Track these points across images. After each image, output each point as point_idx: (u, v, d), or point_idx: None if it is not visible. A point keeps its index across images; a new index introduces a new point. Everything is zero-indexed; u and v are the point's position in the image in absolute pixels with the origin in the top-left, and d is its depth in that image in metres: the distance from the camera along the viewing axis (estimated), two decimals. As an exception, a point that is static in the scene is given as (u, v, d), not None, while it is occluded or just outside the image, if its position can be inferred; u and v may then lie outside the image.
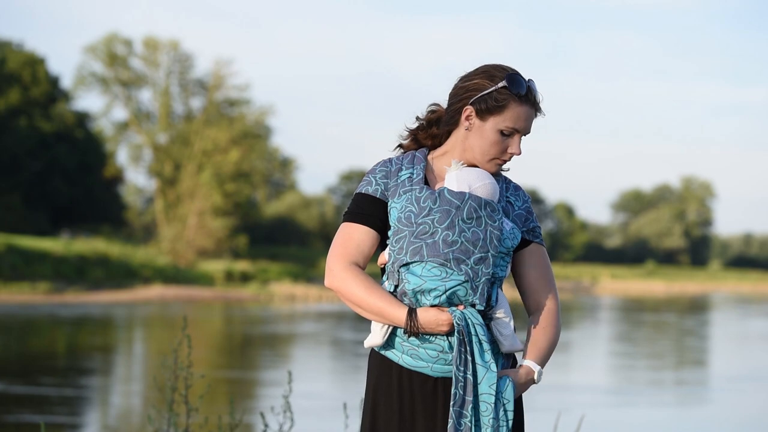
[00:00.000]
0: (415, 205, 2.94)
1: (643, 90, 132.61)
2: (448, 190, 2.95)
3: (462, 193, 2.95)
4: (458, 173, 3.00)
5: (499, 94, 2.95)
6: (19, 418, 11.19)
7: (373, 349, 3.04)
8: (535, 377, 2.98)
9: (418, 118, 3.12)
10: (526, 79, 2.98)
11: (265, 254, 59.11)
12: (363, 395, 3.02)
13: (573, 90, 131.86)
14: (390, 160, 3.06)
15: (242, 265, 51.40)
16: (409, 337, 2.91)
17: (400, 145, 3.13)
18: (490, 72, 2.98)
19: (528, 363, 2.98)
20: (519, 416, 3.03)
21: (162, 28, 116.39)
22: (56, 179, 53.68)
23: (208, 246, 55.08)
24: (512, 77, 2.95)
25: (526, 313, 3.10)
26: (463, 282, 2.89)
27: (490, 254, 2.92)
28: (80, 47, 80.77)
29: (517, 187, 3.11)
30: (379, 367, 3.00)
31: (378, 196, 3.00)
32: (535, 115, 3.01)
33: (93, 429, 11.24)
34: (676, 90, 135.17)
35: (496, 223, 2.95)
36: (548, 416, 6.23)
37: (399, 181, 3.01)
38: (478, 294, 2.90)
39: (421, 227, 2.92)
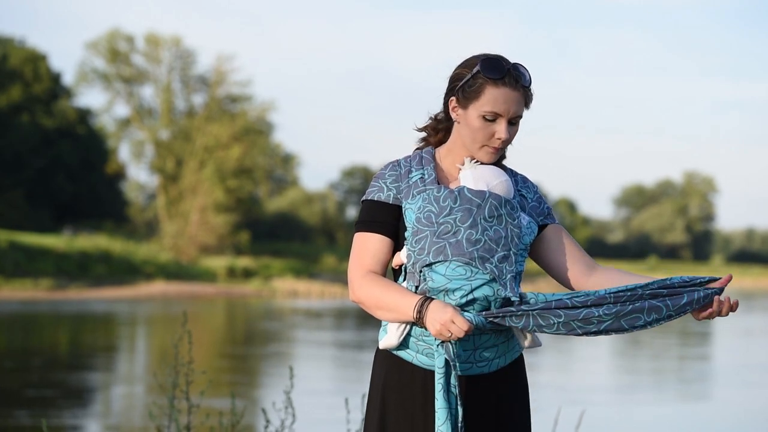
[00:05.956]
0: (435, 204, 2.90)
1: (644, 86, 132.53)
2: (468, 188, 2.92)
3: (482, 192, 2.92)
4: (473, 171, 2.97)
5: (475, 80, 2.92)
6: (20, 415, 11.20)
7: (381, 348, 3.00)
8: None
9: (430, 118, 3.11)
10: (510, 63, 2.93)
11: (268, 250, 59.11)
12: (365, 392, 3.00)
13: (574, 86, 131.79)
14: (398, 162, 3.02)
15: (244, 261, 51.41)
16: (418, 324, 2.84)
17: (418, 148, 3.10)
18: (470, 61, 2.96)
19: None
20: (526, 412, 3.03)
21: (163, 24, 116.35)
22: (58, 176, 53.70)
23: (210, 242, 55.12)
24: (486, 61, 2.92)
25: (575, 279, 3.00)
26: (489, 281, 2.85)
27: (512, 252, 2.90)
28: (82, 44, 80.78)
29: (525, 179, 3.09)
30: (389, 365, 2.97)
31: (391, 202, 2.96)
32: (525, 99, 2.95)
33: (95, 426, 11.25)
34: (678, 86, 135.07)
35: (516, 221, 2.93)
36: (548, 412, 6.22)
37: (411, 182, 2.97)
38: (507, 289, 2.86)
39: (443, 226, 2.88)
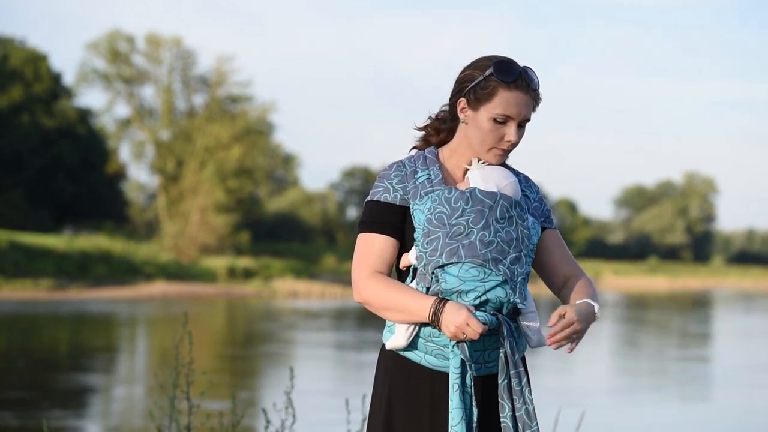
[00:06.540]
0: (446, 206, 2.89)
1: (645, 86, 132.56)
2: (479, 189, 2.91)
3: (493, 193, 2.91)
4: (481, 172, 2.96)
5: (487, 82, 2.90)
6: (20, 416, 11.19)
7: (386, 349, 2.99)
8: (595, 310, 2.95)
9: (430, 118, 3.09)
10: (521, 67, 2.93)
11: (268, 250, 59.11)
12: (366, 392, 3.00)
13: (575, 86, 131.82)
14: (402, 162, 3.00)
15: (245, 262, 51.41)
16: (432, 325, 2.83)
17: (416, 147, 3.08)
18: (480, 62, 2.95)
19: (584, 300, 2.95)
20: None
21: (164, 24, 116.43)
22: (59, 176, 53.71)
23: (210, 242, 55.12)
24: (499, 64, 2.91)
25: (555, 289, 3.07)
26: (502, 282, 2.86)
27: (523, 254, 2.91)
28: (82, 44, 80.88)
29: (527, 178, 3.10)
30: (395, 366, 2.95)
31: (398, 203, 2.94)
32: (534, 102, 2.95)
33: (95, 426, 11.26)
34: (678, 86, 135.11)
35: (525, 223, 2.95)
36: (549, 412, 6.22)
37: (417, 182, 2.95)
38: (517, 293, 2.88)
39: (455, 228, 2.87)
